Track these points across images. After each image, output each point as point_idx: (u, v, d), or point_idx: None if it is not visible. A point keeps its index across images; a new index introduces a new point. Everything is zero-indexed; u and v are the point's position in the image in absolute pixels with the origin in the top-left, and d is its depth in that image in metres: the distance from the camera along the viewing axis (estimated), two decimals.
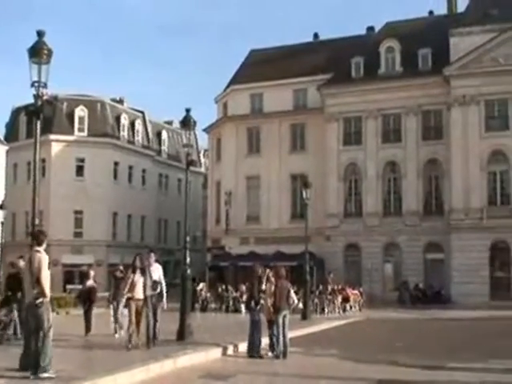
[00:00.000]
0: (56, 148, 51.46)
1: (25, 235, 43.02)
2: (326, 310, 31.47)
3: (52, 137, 50.35)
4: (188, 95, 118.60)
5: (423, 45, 43.80)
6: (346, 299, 33.31)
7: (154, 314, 13.99)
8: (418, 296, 39.89)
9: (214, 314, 31.42)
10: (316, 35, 53.88)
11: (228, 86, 51.61)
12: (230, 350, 14.29)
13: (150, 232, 57.76)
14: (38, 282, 9.52)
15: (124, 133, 56.09)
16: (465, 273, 38.62)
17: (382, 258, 43.42)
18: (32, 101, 10.59)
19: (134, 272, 13.41)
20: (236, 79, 51.52)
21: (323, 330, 21.96)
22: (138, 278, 13.32)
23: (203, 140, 60.45)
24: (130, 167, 56.10)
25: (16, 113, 54.72)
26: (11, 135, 54.42)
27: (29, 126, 48.13)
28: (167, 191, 62.27)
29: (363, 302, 35.42)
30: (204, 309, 32.88)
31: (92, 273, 18.39)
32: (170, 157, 63.17)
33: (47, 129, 46.55)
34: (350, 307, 33.50)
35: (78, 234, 51.49)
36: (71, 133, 52.60)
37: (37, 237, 9.96)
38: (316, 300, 31.34)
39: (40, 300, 9.50)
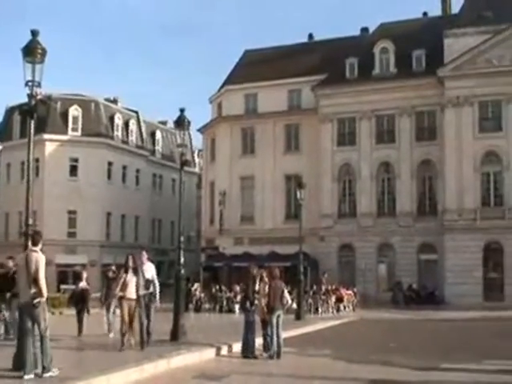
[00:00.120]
0: (50, 148, 51.29)
1: (18, 235, 42.94)
2: (320, 310, 31.54)
3: (46, 136, 50.16)
4: (182, 95, 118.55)
5: (417, 46, 43.89)
6: (339, 299, 33.39)
7: (148, 314, 13.95)
8: (411, 296, 39.97)
9: (208, 314, 31.43)
10: (311, 36, 53.96)
11: (222, 87, 51.59)
12: (224, 351, 14.29)
13: (144, 232, 57.66)
14: (35, 281, 9.55)
15: (118, 133, 55.96)
16: (458, 273, 38.71)
17: (376, 258, 43.49)
18: (26, 100, 10.57)
19: (126, 272, 13.37)
20: (230, 79, 51.51)
21: (317, 331, 21.99)
22: (131, 278, 13.28)
23: (197, 140, 60.51)
24: (124, 167, 55.97)
25: (10, 112, 54.53)
26: (5, 135, 54.27)
27: (23, 125, 47.98)
28: (161, 191, 62.18)
29: (357, 303, 35.50)
30: (198, 309, 32.88)
31: (85, 274, 18.34)
32: (164, 157, 63.07)
33: (41, 128, 46.39)
34: (344, 307, 33.58)
35: (71, 234, 51.35)
36: (65, 132, 52.44)
37: (32, 237, 9.98)
38: (310, 300, 31.41)
39: (38, 300, 9.54)
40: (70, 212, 51.32)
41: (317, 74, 46.16)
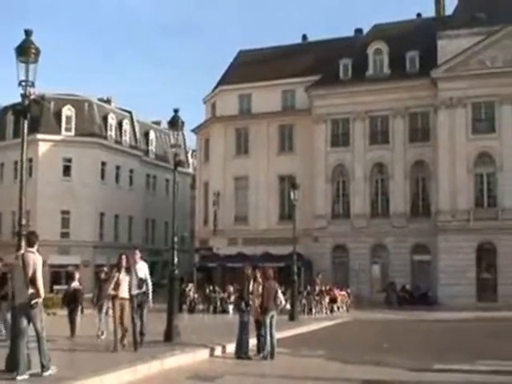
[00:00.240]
0: (43, 148, 51.13)
1: (11, 235, 42.79)
2: (314, 310, 31.58)
3: (39, 136, 50.02)
4: (176, 96, 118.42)
5: (411, 47, 43.99)
6: (333, 300, 33.44)
7: (141, 314, 13.88)
8: (404, 297, 40.03)
9: (202, 314, 31.41)
10: (304, 37, 54.02)
11: (216, 87, 51.56)
12: (218, 351, 14.28)
13: (138, 232, 57.55)
14: (33, 282, 9.59)
15: (111, 133, 55.84)
16: (451, 274, 38.80)
17: (370, 259, 43.55)
18: (19, 100, 10.53)
19: (119, 271, 13.30)
20: (224, 80, 51.49)
21: (311, 331, 22.00)
22: (124, 277, 13.22)
23: (191, 140, 60.46)
24: (118, 167, 55.86)
25: (3, 112, 54.35)
26: None
27: (16, 125, 47.89)
28: (155, 191, 62.10)
29: (350, 303, 35.55)
30: (192, 310, 32.86)
31: (77, 274, 18.28)
32: (158, 157, 62.99)
33: (34, 128, 46.27)
34: (338, 308, 33.64)
35: (64, 235, 51.18)
36: (58, 132, 52.29)
37: (28, 238, 9.98)
38: (304, 301, 31.45)
39: (35, 301, 9.58)
40: (63, 212, 51.18)
41: (311, 75, 46.21)
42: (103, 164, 54.02)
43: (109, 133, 55.47)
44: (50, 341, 12.59)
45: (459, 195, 40.17)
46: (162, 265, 52.56)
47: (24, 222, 10.37)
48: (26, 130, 10.60)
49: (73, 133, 52.81)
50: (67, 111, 52.87)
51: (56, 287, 37.25)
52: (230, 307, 31.06)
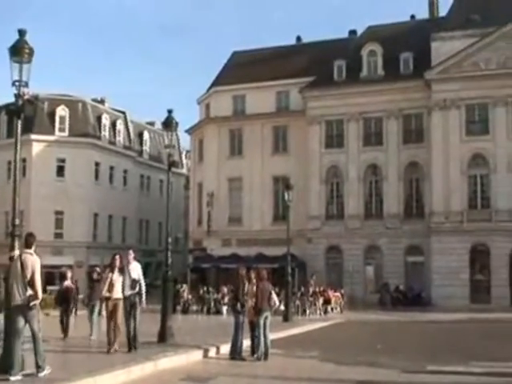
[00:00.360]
0: (37, 148, 50.96)
1: (4, 236, 42.60)
2: (308, 311, 31.60)
3: (33, 136, 49.87)
4: (170, 96, 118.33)
5: (405, 49, 44.09)
6: (327, 301, 33.45)
7: (134, 314, 13.73)
8: (398, 298, 40.09)
9: (196, 315, 31.37)
10: (299, 38, 54.08)
11: (210, 88, 51.53)
12: (212, 352, 14.26)
13: (132, 233, 57.43)
14: (32, 284, 9.62)
15: (105, 133, 55.71)
16: (445, 275, 38.88)
17: (363, 260, 43.59)
18: (13, 100, 10.49)
19: (112, 271, 13.21)
20: (218, 81, 51.46)
21: (305, 332, 22.00)
22: (117, 278, 13.16)
23: (185, 141, 60.41)
24: (111, 168, 55.72)
25: None
26: None
27: (9, 125, 47.70)
28: (149, 192, 61.98)
29: (344, 304, 35.57)
30: (185, 311, 32.82)
31: (69, 273, 18.24)
32: (152, 158, 62.89)
33: (28, 128, 46.13)
34: (332, 309, 33.65)
35: (58, 235, 50.97)
36: (52, 133, 52.12)
37: (26, 239, 9.99)
38: (298, 302, 31.44)
39: (34, 302, 9.62)
40: (56, 212, 51.00)
41: (305, 76, 46.25)
42: (97, 164, 53.88)
43: (103, 133, 55.34)
44: (43, 341, 12.57)
45: (453, 197, 40.27)
46: (155, 265, 52.46)
47: (17, 222, 10.33)
48: (19, 130, 10.56)
49: (66, 133, 52.66)
50: (61, 111, 52.72)
51: (49, 288, 37.15)
52: (224, 308, 31.06)
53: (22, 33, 10.44)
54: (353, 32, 51.21)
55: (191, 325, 24.91)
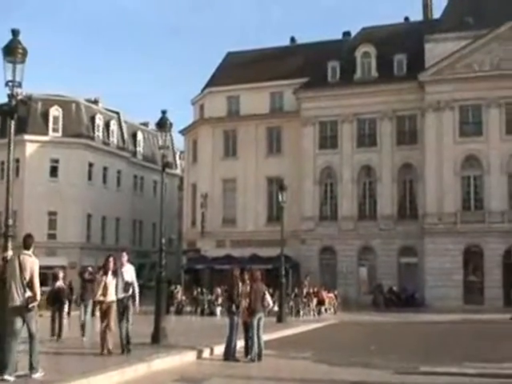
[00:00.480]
0: (30, 148, 50.82)
1: None
2: (301, 312, 31.59)
3: (26, 137, 49.75)
4: (164, 96, 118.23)
5: (399, 50, 44.18)
6: (321, 302, 33.45)
7: (127, 317, 13.59)
8: (391, 299, 40.14)
9: (189, 316, 31.31)
10: (293, 39, 54.10)
11: (204, 88, 51.49)
12: (206, 353, 14.24)
13: (125, 234, 57.30)
14: (31, 286, 9.66)
15: (99, 133, 55.61)
16: (438, 277, 38.97)
17: (357, 261, 43.63)
18: (6, 100, 10.46)
19: (105, 273, 13.10)
20: (213, 81, 51.42)
21: (298, 333, 22.00)
22: (111, 280, 13.05)
23: (179, 142, 60.34)
24: (105, 168, 55.60)
25: None
26: None
27: (3, 125, 47.29)
28: (142, 193, 61.88)
29: (338, 305, 35.59)
30: (179, 312, 32.76)
31: (61, 274, 18.16)
32: (146, 158, 62.79)
33: (21, 129, 46.03)
34: (325, 310, 33.67)
35: (51, 236, 50.76)
36: (45, 133, 52.00)
37: (24, 241, 10.01)
38: (291, 303, 31.44)
39: (33, 304, 9.65)
40: (50, 213, 50.87)
41: (299, 77, 46.28)
42: (90, 165, 53.75)
43: (96, 133, 55.24)
44: (39, 342, 12.53)
45: (446, 198, 40.38)
46: (149, 266, 52.35)
47: (11, 222, 10.30)
48: (12, 131, 10.53)
49: (60, 133, 52.54)
50: (54, 112, 52.60)
51: (43, 289, 37.08)
52: (218, 309, 31.04)
53: (15, 33, 10.41)
54: (347, 33, 51.25)
55: (185, 326, 24.86)
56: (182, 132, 53.50)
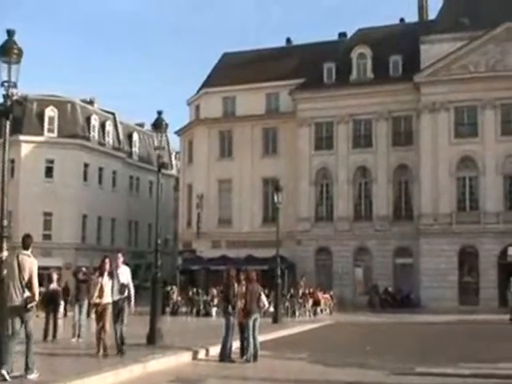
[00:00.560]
0: (25, 149, 50.68)
1: None
2: (297, 313, 31.62)
3: (22, 137, 49.64)
4: (160, 97, 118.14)
5: (394, 51, 44.25)
6: (316, 303, 33.47)
7: (121, 318, 13.51)
8: (387, 300, 40.19)
9: (185, 317, 31.28)
10: (289, 40, 54.13)
11: (200, 89, 51.48)
12: (201, 354, 14.23)
13: (121, 235, 57.20)
14: (30, 286, 9.67)
15: (94, 134, 55.50)
16: (433, 277, 39.04)
17: (353, 262, 43.66)
18: (1, 101, 10.43)
19: (101, 275, 13.04)
20: (209, 82, 51.41)
21: (294, 334, 22.00)
22: (107, 282, 13.01)
23: (175, 142, 60.31)
24: (101, 169, 55.48)
25: None
26: None
27: None
28: (138, 193, 61.79)
29: (334, 306, 35.63)
30: (175, 312, 32.74)
31: (55, 276, 18.11)
32: (141, 159, 62.68)
33: (17, 129, 45.92)
34: (321, 311, 33.70)
35: (46, 237, 50.56)
36: (41, 133, 51.88)
37: (23, 241, 10.04)
38: (287, 303, 31.44)
39: (32, 304, 9.68)
40: (45, 214, 50.73)
41: (295, 78, 46.31)
42: (86, 165, 53.63)
43: (92, 134, 55.13)
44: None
45: (441, 199, 40.45)
46: (145, 267, 52.28)
47: (5, 223, 10.27)
48: (8, 131, 10.50)
49: (55, 134, 52.41)
50: (50, 112, 52.48)
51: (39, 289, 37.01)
52: (214, 310, 31.02)
53: (10, 33, 10.38)
54: (343, 34, 51.31)
55: (180, 327, 24.83)
56: (178, 132, 53.49)
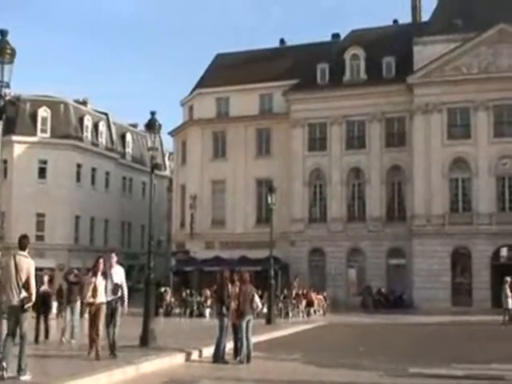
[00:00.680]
0: (18, 149, 50.53)
1: None
2: (291, 314, 31.62)
3: (14, 138, 49.48)
4: (153, 98, 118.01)
5: (387, 53, 44.35)
6: (310, 303, 33.49)
7: (114, 319, 13.40)
8: (380, 301, 40.24)
9: (178, 318, 31.25)
10: (282, 41, 54.18)
11: (194, 90, 51.44)
12: (194, 356, 14.21)
13: (114, 236, 57.06)
14: (28, 287, 9.67)
15: (87, 134, 55.37)
16: (426, 278, 39.13)
17: (346, 262, 43.71)
18: None
19: (95, 275, 12.96)
20: (202, 83, 51.37)
21: (287, 335, 22.00)
22: (101, 282, 12.93)
23: (168, 143, 60.23)
24: (94, 169, 55.36)
25: None
26: None
27: None
28: (131, 194, 61.68)
29: (327, 307, 35.65)
30: (168, 313, 32.68)
31: (46, 277, 18.04)
32: (135, 160, 62.58)
33: (10, 130, 45.73)
34: (314, 311, 33.72)
35: (39, 238, 50.32)
36: (34, 134, 51.73)
37: (20, 242, 10.01)
38: (280, 304, 31.45)
39: (29, 304, 9.68)
40: (38, 215, 50.56)
41: (288, 79, 46.35)
42: (79, 166, 53.51)
43: (85, 134, 55.00)
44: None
45: (434, 200, 40.55)
46: (138, 268, 52.17)
47: None
48: (0, 131, 10.47)
49: (48, 134, 52.27)
50: (43, 112, 52.33)
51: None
52: (207, 311, 31.00)
53: (3, 33, 10.36)
54: (336, 35, 51.38)
55: (174, 328, 24.80)
56: (172, 133, 53.42)
